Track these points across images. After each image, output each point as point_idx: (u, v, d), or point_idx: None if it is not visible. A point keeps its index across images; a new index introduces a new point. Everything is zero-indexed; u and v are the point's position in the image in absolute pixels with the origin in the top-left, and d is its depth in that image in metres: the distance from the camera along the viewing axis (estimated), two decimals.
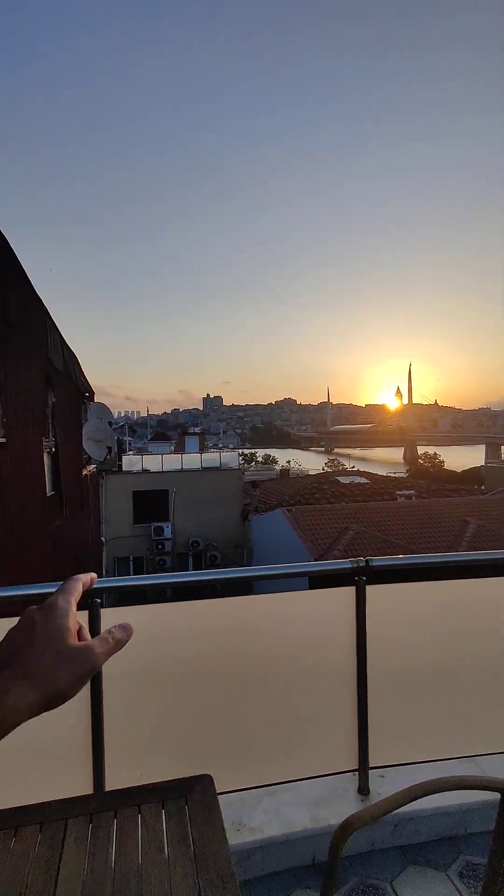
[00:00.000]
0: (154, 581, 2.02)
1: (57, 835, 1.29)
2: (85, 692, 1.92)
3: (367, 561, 2.18)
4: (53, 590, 0.69)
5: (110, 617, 1.91)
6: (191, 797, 1.39)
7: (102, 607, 1.89)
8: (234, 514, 24.83)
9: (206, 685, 2.09)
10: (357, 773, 2.21)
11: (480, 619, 2.34)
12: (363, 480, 28.96)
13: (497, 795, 1.48)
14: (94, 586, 0.76)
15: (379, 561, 2.19)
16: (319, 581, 2.25)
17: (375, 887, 1.95)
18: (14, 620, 0.66)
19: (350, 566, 2.18)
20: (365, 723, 2.17)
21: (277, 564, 2.21)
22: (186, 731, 2.08)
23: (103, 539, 22.03)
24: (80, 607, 0.70)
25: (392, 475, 41.33)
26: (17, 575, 8.42)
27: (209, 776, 1.45)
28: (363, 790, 2.20)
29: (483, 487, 38.01)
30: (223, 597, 2.10)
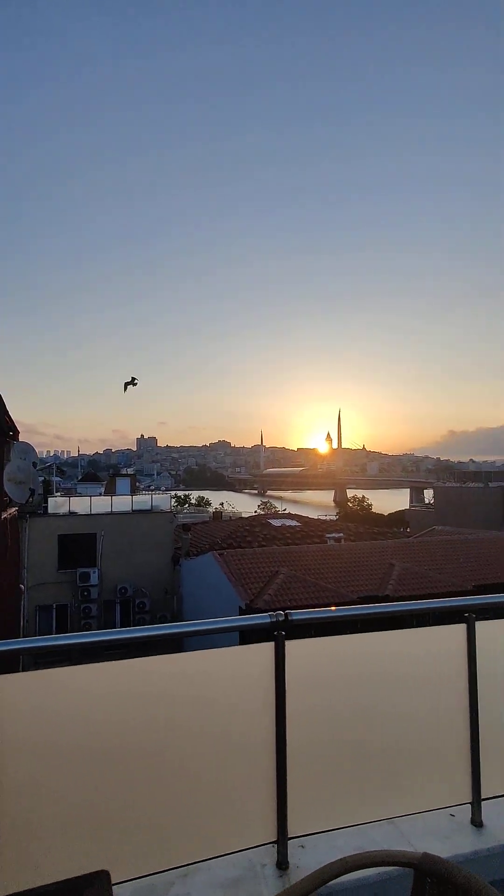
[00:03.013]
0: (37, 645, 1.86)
1: None
2: None
3: (286, 615, 2.12)
4: None
5: None
6: None
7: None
8: (164, 558, 24.16)
9: (109, 760, 1.90)
10: (276, 844, 2.08)
11: (402, 671, 2.32)
12: (294, 523, 29.22)
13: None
14: None
15: (298, 614, 2.14)
16: (248, 635, 2.16)
17: None
18: None
19: (269, 620, 2.11)
20: (284, 790, 2.06)
21: (197, 620, 2.11)
22: (88, 814, 1.87)
23: (23, 587, 20.67)
24: None
25: (322, 518, 42.02)
26: None
27: (106, 872, 1.30)
28: (282, 864, 2.07)
29: (408, 530, 39.41)
30: (136, 656, 1.96)
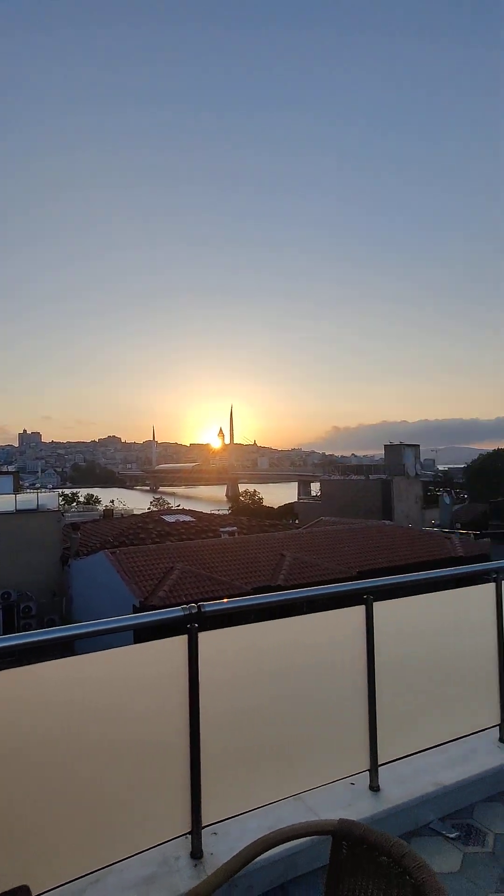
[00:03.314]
0: None
1: None
2: None
3: (199, 607, 2.13)
4: None
5: None
6: None
7: None
8: (52, 559, 22.92)
9: (19, 772, 1.79)
10: (190, 835, 2.09)
11: (308, 653, 2.43)
12: (188, 518, 29.12)
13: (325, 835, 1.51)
14: None
15: (211, 606, 2.16)
16: (149, 632, 2.13)
17: None
18: None
19: (182, 614, 2.11)
20: (198, 781, 2.07)
21: (98, 620, 2.02)
22: (2, 830, 1.74)
23: None
24: None
25: (216, 512, 42.34)
26: None
27: (25, 887, 1.23)
28: (196, 854, 2.08)
29: (297, 521, 41.03)
30: (25, 664, 1.84)
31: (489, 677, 2.91)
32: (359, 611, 2.53)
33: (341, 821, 1.40)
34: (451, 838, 2.39)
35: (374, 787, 2.48)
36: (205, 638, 2.13)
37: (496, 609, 2.94)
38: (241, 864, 1.45)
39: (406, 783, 2.54)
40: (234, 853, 1.42)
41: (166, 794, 2.06)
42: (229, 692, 2.22)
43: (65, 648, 2.32)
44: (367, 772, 2.49)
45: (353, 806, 2.39)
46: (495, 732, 2.92)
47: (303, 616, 2.39)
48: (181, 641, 2.10)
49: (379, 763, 2.49)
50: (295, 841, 2.09)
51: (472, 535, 28.10)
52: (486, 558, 21.90)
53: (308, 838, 2.14)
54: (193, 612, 2.11)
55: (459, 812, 2.56)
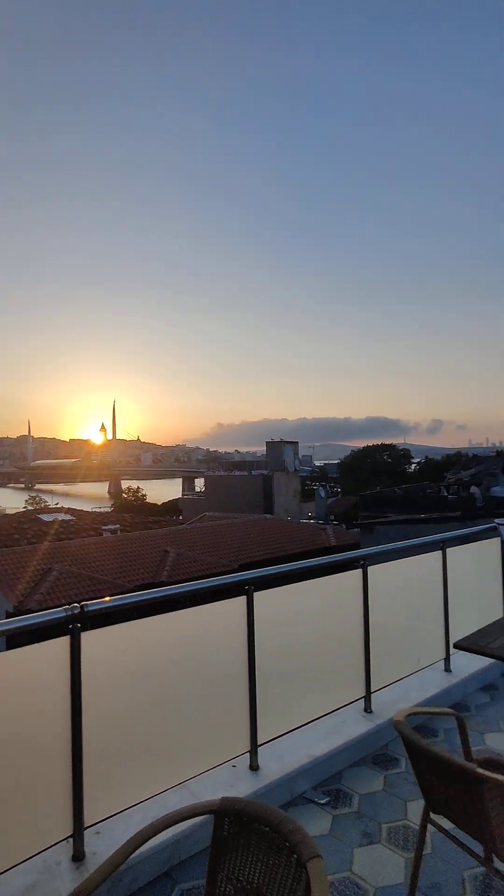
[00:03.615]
0: None
1: None
2: None
3: (81, 607, 2.10)
4: None
5: None
6: None
7: None
8: None
9: None
10: (72, 838, 2.06)
11: (193, 645, 2.49)
12: (68, 517, 27.76)
13: (206, 818, 1.60)
14: None
15: (94, 605, 2.14)
16: (28, 636, 2.06)
17: None
18: None
19: (64, 615, 2.07)
20: (80, 783, 2.05)
21: None
22: None
23: None
24: None
25: (97, 510, 40.81)
26: None
27: None
28: (78, 856, 2.07)
29: (181, 517, 40.94)
30: None
31: (357, 654, 3.20)
32: (240, 601, 2.66)
33: (223, 799, 1.49)
34: (322, 804, 2.61)
35: (254, 767, 2.63)
36: (88, 638, 2.11)
37: (363, 592, 3.24)
38: (123, 858, 1.47)
39: (283, 759, 2.72)
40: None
41: (47, 799, 2.01)
42: (113, 690, 2.22)
43: None
44: (248, 753, 2.63)
45: (235, 786, 2.51)
46: (361, 704, 3.23)
47: (186, 610, 2.45)
48: (63, 643, 2.06)
49: (259, 743, 2.64)
50: (179, 827, 2.18)
51: (344, 526, 30.10)
52: (356, 547, 23.58)
53: (192, 823, 2.23)
54: (76, 612, 2.08)
55: (330, 779, 2.79)
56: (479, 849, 1.84)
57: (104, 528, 25.58)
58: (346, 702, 3.13)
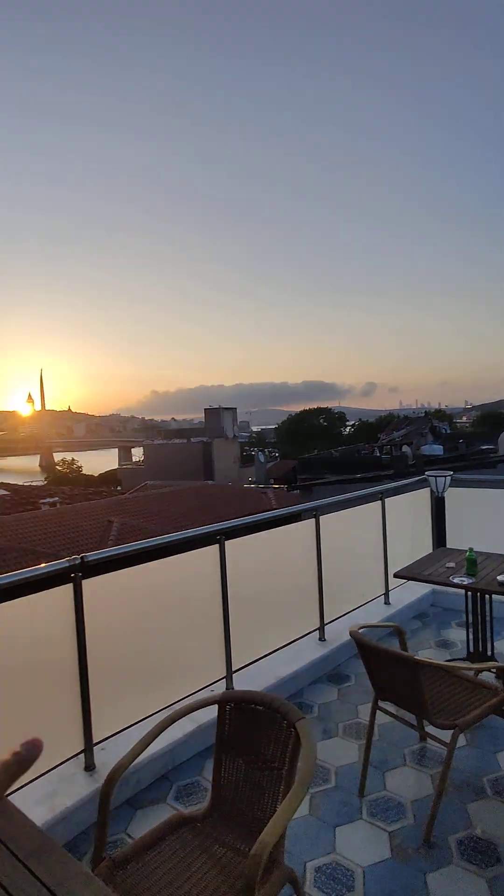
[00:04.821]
0: None
1: None
2: None
3: (81, 558, 2.40)
4: None
5: None
6: None
7: None
8: None
9: None
10: (83, 752, 2.41)
11: (177, 589, 2.86)
12: (1, 492, 26.98)
13: (208, 716, 1.98)
14: None
15: (94, 555, 2.46)
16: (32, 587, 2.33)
17: (114, 842, 2.21)
18: None
19: (66, 565, 2.36)
20: (87, 706, 2.40)
21: None
22: None
23: None
24: None
25: (31, 483, 39.72)
26: None
27: None
28: (90, 767, 2.42)
29: (120, 488, 40.68)
30: None
31: (312, 592, 3.69)
32: (214, 549, 3.03)
33: (223, 692, 1.89)
34: None
35: (232, 689, 3.06)
36: (88, 584, 2.42)
37: (316, 538, 3.70)
38: (143, 747, 1.84)
39: (255, 680, 3.17)
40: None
41: (61, 721, 2.35)
42: (111, 628, 2.56)
43: None
44: (225, 678, 3.06)
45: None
46: (317, 634, 3.74)
47: (170, 557, 2.81)
48: (67, 590, 2.37)
49: (234, 669, 3.07)
50: (174, 737, 2.58)
51: (284, 489, 31.12)
52: None
53: (185, 732, 2.64)
54: (77, 562, 2.38)
55: (294, 695, 3.28)
56: (415, 722, 2.36)
57: (42, 501, 25.11)
58: (304, 632, 3.63)
